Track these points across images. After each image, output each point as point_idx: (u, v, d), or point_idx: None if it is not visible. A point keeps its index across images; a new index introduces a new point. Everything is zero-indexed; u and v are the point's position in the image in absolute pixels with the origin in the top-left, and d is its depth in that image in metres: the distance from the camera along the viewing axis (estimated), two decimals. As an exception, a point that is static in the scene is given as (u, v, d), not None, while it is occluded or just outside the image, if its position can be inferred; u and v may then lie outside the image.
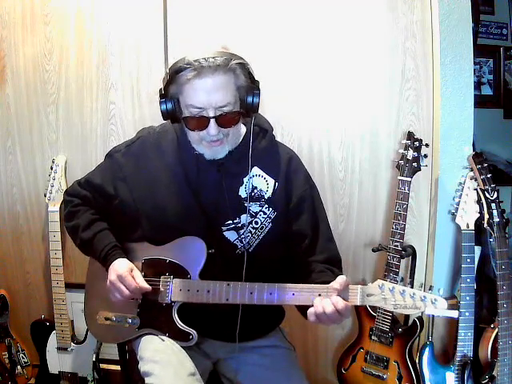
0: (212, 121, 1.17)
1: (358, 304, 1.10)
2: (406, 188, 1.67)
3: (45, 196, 1.94)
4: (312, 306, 1.12)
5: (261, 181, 1.31)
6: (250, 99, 1.21)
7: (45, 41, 1.92)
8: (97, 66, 1.91)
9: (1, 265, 2.12)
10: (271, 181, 1.31)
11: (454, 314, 1.03)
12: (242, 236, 1.30)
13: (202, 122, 1.17)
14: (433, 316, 1.71)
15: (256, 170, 1.31)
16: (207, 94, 1.14)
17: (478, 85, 2.63)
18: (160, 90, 1.22)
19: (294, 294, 1.16)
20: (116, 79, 1.91)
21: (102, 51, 1.90)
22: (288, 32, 1.78)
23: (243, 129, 1.33)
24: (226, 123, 1.19)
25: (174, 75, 1.16)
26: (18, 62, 1.96)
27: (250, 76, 1.20)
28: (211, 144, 1.21)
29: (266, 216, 1.31)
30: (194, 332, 1.25)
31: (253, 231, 1.30)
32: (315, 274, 1.27)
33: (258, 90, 1.22)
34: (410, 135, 1.68)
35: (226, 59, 1.14)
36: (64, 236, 1.94)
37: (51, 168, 1.94)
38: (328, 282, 1.16)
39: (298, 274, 1.30)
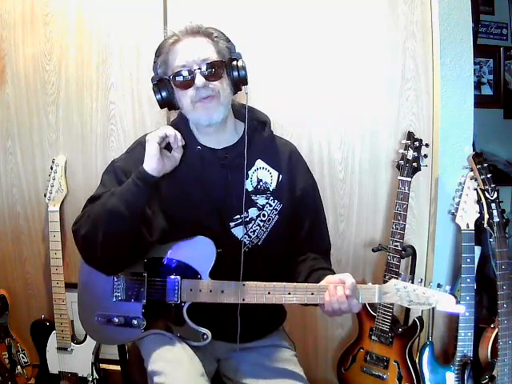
0: (197, 72, 1.19)
1: (376, 301, 1.14)
2: (406, 188, 1.67)
3: (45, 196, 1.94)
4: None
5: (265, 173, 1.32)
6: (235, 72, 1.25)
7: (45, 41, 1.92)
8: (97, 66, 1.91)
9: (1, 265, 2.12)
10: (275, 173, 1.33)
11: (461, 308, 1.12)
12: (251, 230, 1.30)
13: (188, 75, 1.20)
14: (433, 314, 1.77)
15: (260, 163, 1.32)
16: (188, 52, 1.21)
17: (477, 85, 2.64)
18: (152, 77, 1.27)
19: (313, 293, 1.16)
20: (116, 79, 1.90)
21: (102, 51, 1.89)
22: (288, 32, 1.78)
23: (241, 124, 1.33)
24: (212, 75, 1.20)
25: (159, 51, 1.25)
26: (18, 62, 1.96)
27: (229, 44, 1.26)
28: (204, 102, 1.21)
29: (272, 208, 1.32)
30: (207, 331, 1.24)
31: (261, 224, 1.31)
32: (311, 261, 1.30)
33: (241, 56, 1.26)
34: (410, 135, 1.69)
35: (199, 25, 1.24)
36: (64, 236, 1.94)
37: (51, 168, 1.94)
38: (326, 269, 1.24)
39: (291, 262, 1.33)
